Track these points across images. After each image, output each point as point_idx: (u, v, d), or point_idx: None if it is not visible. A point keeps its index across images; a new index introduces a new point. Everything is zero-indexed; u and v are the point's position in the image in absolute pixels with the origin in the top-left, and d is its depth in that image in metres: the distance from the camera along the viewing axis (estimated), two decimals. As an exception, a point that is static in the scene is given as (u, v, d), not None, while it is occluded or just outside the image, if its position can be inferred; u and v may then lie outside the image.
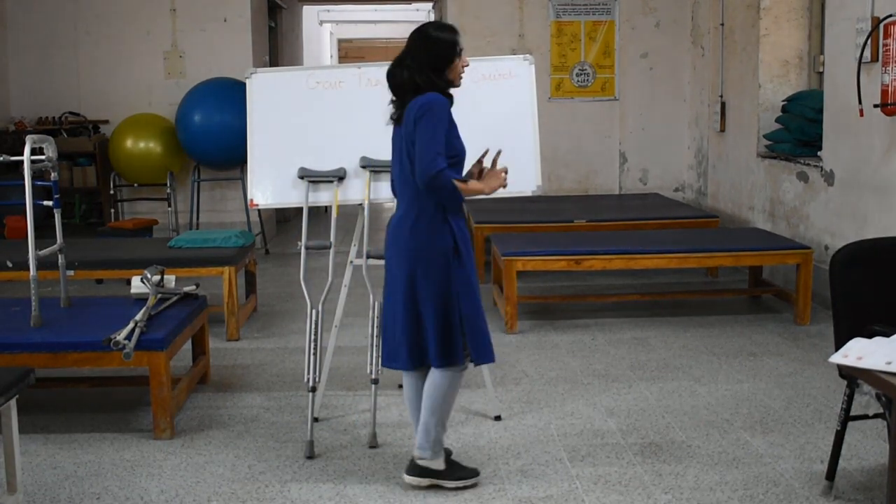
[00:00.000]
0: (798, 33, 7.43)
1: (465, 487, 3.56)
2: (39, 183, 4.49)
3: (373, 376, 4.14)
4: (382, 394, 4.63)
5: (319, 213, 11.59)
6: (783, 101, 7.27)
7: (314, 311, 4.13)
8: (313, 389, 4.09)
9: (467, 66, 3.55)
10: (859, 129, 5.80)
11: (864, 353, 2.90)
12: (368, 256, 4.27)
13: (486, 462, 3.83)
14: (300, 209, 4.36)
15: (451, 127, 3.47)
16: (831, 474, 3.48)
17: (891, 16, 5.25)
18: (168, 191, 8.48)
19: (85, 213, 9.12)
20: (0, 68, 8.85)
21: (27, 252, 4.31)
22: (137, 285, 4.71)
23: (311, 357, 4.08)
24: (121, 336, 4.04)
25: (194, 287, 4.86)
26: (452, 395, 3.58)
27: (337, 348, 4.48)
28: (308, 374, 4.09)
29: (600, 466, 3.79)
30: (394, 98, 3.54)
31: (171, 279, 4.75)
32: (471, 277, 3.53)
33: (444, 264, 3.46)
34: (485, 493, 3.55)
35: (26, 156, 4.21)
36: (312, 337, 4.09)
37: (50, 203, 4.41)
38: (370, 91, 4.32)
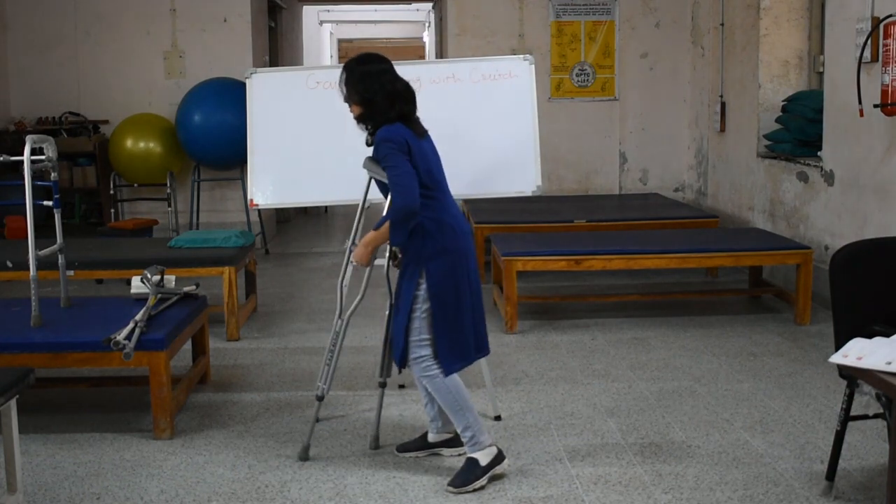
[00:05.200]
0: (798, 33, 7.43)
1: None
2: (39, 183, 4.48)
3: (380, 379, 4.08)
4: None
5: (319, 214, 11.61)
6: (783, 101, 7.27)
7: (339, 321, 3.94)
8: (321, 398, 3.99)
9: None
10: (859, 129, 5.80)
11: (864, 353, 2.90)
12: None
13: (486, 462, 3.83)
14: (300, 209, 4.35)
15: None
16: (831, 474, 3.48)
17: (891, 16, 5.25)
18: (168, 191, 8.49)
19: (85, 213, 9.12)
20: (0, 68, 8.85)
21: (27, 252, 4.31)
22: (137, 285, 4.71)
23: (326, 367, 3.95)
24: (121, 336, 4.03)
25: (194, 287, 4.85)
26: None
27: (337, 348, 4.47)
28: (320, 381, 3.96)
29: (600, 466, 3.79)
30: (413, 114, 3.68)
31: (171, 279, 4.74)
32: None
33: None
34: (485, 493, 3.55)
35: (26, 156, 4.21)
36: (332, 346, 3.93)
37: (50, 203, 4.41)
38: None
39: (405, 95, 3.62)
